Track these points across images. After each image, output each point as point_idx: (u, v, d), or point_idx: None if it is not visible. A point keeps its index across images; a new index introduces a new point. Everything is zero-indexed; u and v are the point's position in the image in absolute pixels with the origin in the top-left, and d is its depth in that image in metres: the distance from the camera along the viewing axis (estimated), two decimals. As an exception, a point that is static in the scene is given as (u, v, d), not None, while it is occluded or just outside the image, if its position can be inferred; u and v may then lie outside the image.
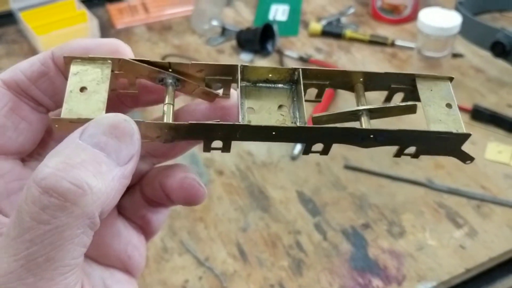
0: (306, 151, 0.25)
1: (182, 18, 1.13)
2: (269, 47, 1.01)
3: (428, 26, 0.85)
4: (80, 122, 0.21)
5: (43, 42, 0.97)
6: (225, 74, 0.25)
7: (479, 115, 0.84)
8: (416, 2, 1.07)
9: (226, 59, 1.00)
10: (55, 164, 0.19)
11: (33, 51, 1.03)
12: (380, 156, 0.77)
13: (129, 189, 0.29)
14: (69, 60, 0.23)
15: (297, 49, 1.03)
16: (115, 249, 0.27)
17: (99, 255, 0.27)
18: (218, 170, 0.77)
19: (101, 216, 0.20)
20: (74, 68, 0.23)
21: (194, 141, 0.27)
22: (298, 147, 0.78)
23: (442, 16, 0.86)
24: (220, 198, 0.72)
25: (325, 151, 0.25)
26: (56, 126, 0.22)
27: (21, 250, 0.18)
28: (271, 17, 1.12)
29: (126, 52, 0.24)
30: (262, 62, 0.99)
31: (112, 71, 0.23)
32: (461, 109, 0.86)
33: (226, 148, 0.24)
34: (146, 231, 0.29)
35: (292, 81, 0.26)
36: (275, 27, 1.01)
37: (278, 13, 1.14)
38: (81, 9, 1.06)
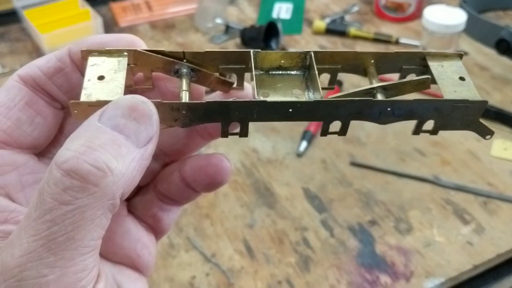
0: (324, 131, 0.25)
1: (185, 16, 1.13)
2: (273, 45, 1.01)
3: (433, 24, 0.85)
4: (99, 105, 0.21)
5: (46, 40, 0.97)
6: (239, 63, 0.25)
7: (485, 112, 0.82)
8: (419, 0, 1.07)
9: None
10: (76, 147, 0.19)
11: (36, 49, 1.02)
12: (386, 153, 0.77)
13: (141, 189, 0.29)
14: (86, 54, 0.23)
15: (301, 47, 1.02)
16: (125, 247, 0.28)
17: (109, 252, 0.27)
18: (223, 167, 0.76)
19: (121, 198, 0.20)
20: (91, 60, 0.23)
21: (208, 136, 0.27)
22: (304, 144, 0.78)
23: (447, 14, 0.86)
24: (226, 195, 0.72)
25: (342, 131, 0.25)
26: (75, 111, 0.22)
27: (42, 230, 0.18)
28: (274, 15, 1.12)
29: (142, 46, 0.25)
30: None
31: (128, 64, 0.24)
32: (466, 106, 0.86)
33: (243, 132, 0.24)
34: (156, 230, 0.29)
35: (304, 66, 0.26)
36: (279, 25, 1.01)
37: (282, 11, 1.14)
38: (84, 7, 1.05)
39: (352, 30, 1.04)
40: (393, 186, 0.73)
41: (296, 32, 1.07)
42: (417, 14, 1.09)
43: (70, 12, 1.04)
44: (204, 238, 0.66)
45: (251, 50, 0.25)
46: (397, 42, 1.02)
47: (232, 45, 1.04)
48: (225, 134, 0.24)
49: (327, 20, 1.08)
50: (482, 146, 0.78)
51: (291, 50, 0.27)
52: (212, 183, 0.27)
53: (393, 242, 0.65)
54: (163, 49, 0.25)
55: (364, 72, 0.26)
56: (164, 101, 0.22)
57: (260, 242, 0.66)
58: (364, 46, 1.02)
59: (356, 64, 0.26)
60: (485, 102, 0.25)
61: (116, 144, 0.20)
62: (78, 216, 0.19)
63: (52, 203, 0.18)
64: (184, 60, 0.25)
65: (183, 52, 0.25)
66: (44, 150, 0.26)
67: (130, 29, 1.09)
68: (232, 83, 0.26)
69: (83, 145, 0.19)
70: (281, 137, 0.81)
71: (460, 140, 0.78)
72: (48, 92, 0.24)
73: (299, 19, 1.11)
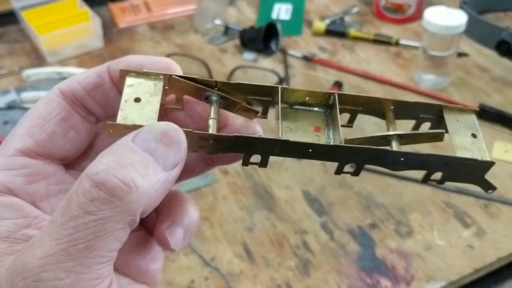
0: (339, 171, 0.26)
1: (184, 17, 1.13)
2: (273, 46, 1.01)
3: (434, 25, 0.84)
4: (134, 128, 0.23)
5: (45, 41, 0.97)
6: (266, 95, 0.27)
7: (485, 114, 0.83)
8: (420, 1, 1.07)
9: (229, 58, 1.00)
10: (108, 161, 0.20)
11: (35, 50, 1.02)
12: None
13: None
14: (124, 73, 0.25)
15: (300, 48, 1.02)
16: (134, 258, 0.28)
17: (118, 263, 0.27)
18: (222, 169, 0.76)
19: (142, 215, 0.21)
20: (129, 81, 0.25)
21: (213, 163, 0.29)
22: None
23: (448, 15, 0.86)
24: (225, 198, 0.72)
25: (356, 172, 0.26)
26: (111, 131, 0.23)
27: (65, 235, 0.20)
28: (274, 16, 1.12)
29: (177, 71, 0.26)
30: (265, 61, 0.98)
31: (164, 86, 0.25)
32: (467, 108, 0.85)
33: (263, 163, 0.26)
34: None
35: (327, 105, 0.27)
36: (279, 26, 1.01)
37: (281, 12, 1.13)
38: (83, 8, 1.05)
39: (352, 31, 1.03)
40: (393, 189, 0.72)
41: (295, 33, 1.07)
42: (417, 15, 1.09)
43: (69, 13, 1.04)
44: (203, 241, 0.66)
45: (279, 86, 0.26)
46: (397, 43, 1.01)
47: (232, 46, 1.03)
48: (245, 163, 0.26)
49: (327, 21, 1.08)
50: (482, 149, 0.78)
51: (316, 90, 0.28)
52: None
53: (394, 245, 0.65)
54: (197, 76, 0.26)
55: (382, 116, 0.28)
56: (195, 131, 0.24)
57: (260, 245, 0.65)
58: (364, 47, 1.02)
59: (376, 108, 0.28)
60: (492, 163, 0.26)
61: (145, 164, 0.21)
62: (99, 227, 0.20)
63: (77, 211, 0.20)
64: (216, 89, 0.26)
65: (215, 81, 0.26)
66: (72, 162, 0.27)
67: (129, 30, 1.09)
68: (258, 112, 0.27)
69: (114, 161, 0.20)
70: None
71: (461, 142, 0.78)
72: (86, 106, 0.25)
73: (298, 20, 1.11)
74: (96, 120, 0.26)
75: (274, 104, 0.27)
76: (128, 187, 0.20)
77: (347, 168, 0.26)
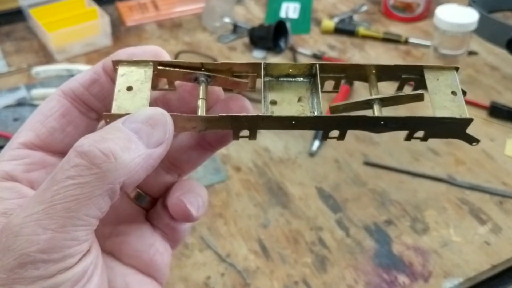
0: (324, 137, 0.27)
1: (192, 16, 1.12)
2: (282, 44, 1.00)
3: (445, 23, 0.84)
4: None
5: (53, 38, 0.96)
6: (251, 72, 0.28)
7: (497, 112, 0.83)
8: (428, 0, 1.07)
9: (238, 57, 0.99)
10: (94, 137, 0.23)
11: (42, 48, 1.02)
12: (400, 152, 0.77)
13: (157, 200, 0.31)
14: (116, 63, 0.26)
15: (310, 47, 1.02)
16: (138, 249, 0.29)
17: (123, 253, 0.29)
18: (235, 166, 0.75)
19: (123, 187, 0.23)
20: (121, 70, 0.26)
21: (212, 148, 0.30)
22: (316, 143, 0.77)
23: (459, 13, 0.86)
24: (238, 194, 0.71)
25: (341, 137, 0.27)
26: (108, 120, 0.25)
27: (47, 197, 0.21)
28: (282, 15, 1.12)
29: (165, 57, 0.28)
30: (275, 59, 0.98)
31: (153, 71, 0.27)
32: (478, 106, 0.85)
33: (252, 136, 0.27)
34: (171, 239, 0.31)
35: (311, 75, 0.28)
36: (288, 24, 1.00)
37: (289, 10, 1.13)
38: (91, 6, 1.04)
39: (361, 30, 1.03)
40: (407, 185, 0.72)
41: (304, 31, 1.07)
42: (426, 14, 1.09)
43: (77, 11, 1.03)
44: (218, 237, 0.65)
45: (262, 62, 0.28)
46: (406, 42, 1.01)
47: (240, 44, 1.03)
48: (236, 137, 0.27)
49: (336, 19, 1.07)
50: (496, 146, 0.78)
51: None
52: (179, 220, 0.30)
53: (410, 242, 0.64)
54: (183, 61, 0.27)
55: (365, 80, 0.28)
56: (184, 115, 0.25)
57: (275, 242, 0.65)
58: (373, 45, 1.02)
59: (358, 73, 0.28)
60: (470, 120, 0.26)
61: (127, 140, 0.23)
62: (78, 190, 0.21)
63: (60, 176, 0.22)
64: (202, 70, 0.27)
65: (202, 63, 0.27)
66: None
67: (137, 28, 1.08)
68: (247, 83, 0.28)
69: (99, 135, 0.23)
70: (292, 136, 0.80)
71: (474, 139, 0.78)
72: (85, 101, 0.27)
73: (307, 18, 1.11)
74: (96, 116, 0.28)
75: (259, 77, 0.28)
76: (106, 156, 0.22)
77: (332, 133, 0.27)
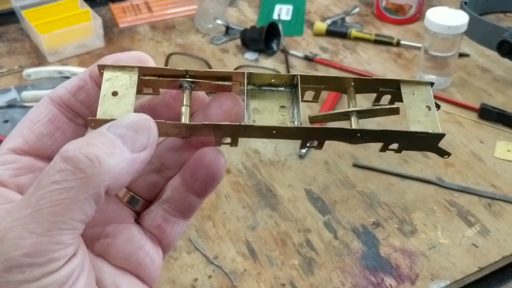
0: (303, 145, 0.28)
1: (185, 18, 1.13)
2: (274, 46, 1.01)
3: (436, 25, 0.84)
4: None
5: (46, 40, 0.96)
6: (235, 80, 0.28)
7: (487, 114, 0.83)
8: (420, 2, 1.07)
9: (231, 58, 1.00)
10: (79, 142, 0.23)
11: (35, 50, 1.02)
12: (389, 155, 0.77)
13: (149, 204, 0.31)
14: (101, 67, 0.27)
15: (302, 49, 1.02)
16: (126, 252, 0.29)
17: (111, 256, 0.29)
18: (225, 168, 0.75)
19: (107, 192, 0.23)
20: (106, 75, 0.27)
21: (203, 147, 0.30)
22: (306, 145, 0.78)
23: (450, 15, 0.86)
24: (227, 196, 0.71)
25: (319, 146, 0.28)
26: (93, 124, 0.25)
27: (33, 202, 0.22)
28: (275, 17, 1.12)
29: (149, 62, 0.28)
30: (267, 61, 0.98)
31: (138, 76, 0.27)
32: (469, 108, 0.85)
33: (234, 143, 0.28)
34: (162, 242, 0.31)
35: (292, 85, 0.29)
36: (280, 26, 1.00)
37: (282, 12, 1.13)
38: (84, 8, 1.05)
39: (353, 32, 1.03)
40: (396, 187, 0.72)
41: (297, 34, 1.07)
42: (418, 16, 1.09)
43: (70, 13, 1.03)
44: (206, 239, 0.65)
45: (245, 72, 0.28)
46: (398, 44, 1.01)
47: (233, 46, 1.03)
48: (218, 143, 0.28)
49: (328, 21, 1.08)
50: (485, 148, 0.78)
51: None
52: (208, 173, 0.29)
53: (398, 244, 0.64)
54: (168, 67, 0.28)
55: (344, 91, 0.29)
56: (167, 122, 0.26)
57: (263, 244, 0.65)
58: (365, 47, 1.02)
59: (337, 85, 0.29)
60: (443, 135, 0.27)
61: (112, 145, 0.23)
62: (63, 195, 0.22)
63: (46, 181, 0.22)
64: (187, 76, 0.28)
65: (186, 70, 0.28)
66: None
67: (130, 30, 1.08)
68: (230, 85, 0.28)
69: (84, 141, 0.23)
70: (283, 138, 0.80)
71: (464, 142, 0.78)
72: (72, 108, 0.28)
73: (299, 20, 1.11)
74: (83, 122, 0.28)
75: (242, 86, 0.29)
76: (91, 161, 0.22)
77: (311, 143, 0.28)
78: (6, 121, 0.83)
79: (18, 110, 0.84)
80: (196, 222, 0.67)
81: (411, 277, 0.61)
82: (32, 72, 0.92)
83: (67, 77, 0.92)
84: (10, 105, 0.85)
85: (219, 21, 1.05)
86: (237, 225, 0.67)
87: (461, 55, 0.96)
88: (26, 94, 0.86)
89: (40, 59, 0.99)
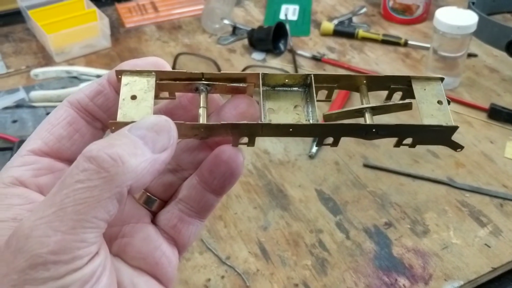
0: (319, 143, 0.29)
1: (191, 18, 1.12)
2: (282, 46, 1.00)
3: (445, 25, 0.84)
4: None
5: (52, 40, 0.96)
6: (250, 81, 0.29)
7: (497, 114, 0.83)
8: (428, 2, 1.07)
9: (238, 59, 0.99)
10: (102, 143, 0.23)
11: (41, 50, 1.01)
12: (399, 155, 0.76)
13: (165, 204, 0.31)
14: (119, 73, 0.27)
15: (309, 49, 1.02)
16: (143, 252, 0.29)
17: (128, 255, 0.29)
18: (235, 168, 0.75)
19: (130, 191, 0.23)
20: (124, 80, 0.27)
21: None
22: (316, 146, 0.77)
23: (459, 15, 0.86)
24: (238, 197, 0.71)
25: (335, 143, 0.29)
26: (113, 128, 0.26)
27: (57, 201, 0.22)
28: (281, 16, 1.12)
29: (165, 67, 0.29)
30: (274, 61, 0.98)
31: (156, 80, 0.28)
32: (478, 108, 0.85)
33: (251, 142, 0.28)
34: (178, 243, 0.31)
35: (306, 84, 0.29)
36: (287, 26, 1.00)
37: (289, 13, 1.13)
38: (90, 7, 1.04)
39: (361, 32, 1.03)
40: (407, 188, 0.72)
41: (303, 33, 1.07)
42: (425, 16, 1.09)
43: (76, 12, 1.03)
44: (218, 240, 0.65)
45: (260, 73, 0.29)
46: (405, 44, 1.01)
47: (240, 46, 1.03)
48: (236, 144, 0.28)
49: (335, 21, 1.07)
50: (495, 148, 0.78)
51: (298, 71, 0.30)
52: (228, 170, 0.29)
53: (410, 244, 0.64)
54: (184, 70, 0.28)
55: (356, 90, 0.30)
56: (187, 123, 0.26)
57: (275, 244, 0.65)
58: (373, 47, 1.02)
59: (350, 83, 0.30)
60: (456, 127, 0.27)
61: (134, 146, 0.24)
62: (87, 193, 0.22)
63: (69, 180, 0.22)
64: (203, 79, 0.28)
65: (202, 73, 0.28)
66: None
67: (136, 30, 1.08)
68: (245, 88, 0.29)
69: (106, 142, 0.23)
70: (292, 138, 0.80)
71: (474, 142, 0.78)
72: (90, 111, 0.28)
73: (306, 20, 1.11)
74: (101, 125, 0.29)
75: (257, 87, 0.29)
76: (114, 161, 0.23)
77: (327, 140, 0.29)
78: (14, 121, 0.82)
79: (27, 110, 0.84)
80: (208, 223, 0.67)
81: (424, 277, 0.61)
82: (40, 72, 0.92)
83: (75, 77, 0.92)
84: (19, 105, 0.85)
85: (226, 21, 1.05)
86: (248, 225, 0.67)
87: (469, 55, 0.96)
88: (35, 94, 0.86)
89: (46, 59, 0.99)
